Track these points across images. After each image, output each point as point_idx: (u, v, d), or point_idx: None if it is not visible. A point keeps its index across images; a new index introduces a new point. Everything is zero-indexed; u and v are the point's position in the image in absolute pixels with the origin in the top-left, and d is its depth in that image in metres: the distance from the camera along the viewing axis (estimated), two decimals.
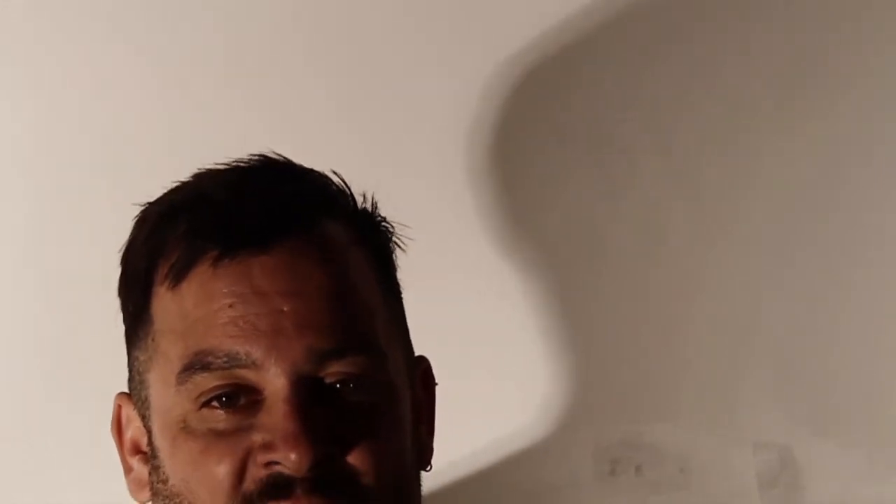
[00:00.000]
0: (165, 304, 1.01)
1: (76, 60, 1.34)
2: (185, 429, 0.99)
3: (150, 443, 1.03)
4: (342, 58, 1.36)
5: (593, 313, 1.37)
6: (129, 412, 1.05)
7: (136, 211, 1.05)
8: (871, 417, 1.39)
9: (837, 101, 1.40)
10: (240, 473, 0.97)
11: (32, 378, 1.33)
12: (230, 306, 0.98)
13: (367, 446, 0.98)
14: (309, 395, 0.97)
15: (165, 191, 1.05)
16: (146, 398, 1.03)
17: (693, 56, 1.39)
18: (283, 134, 1.25)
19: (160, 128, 1.34)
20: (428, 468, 1.06)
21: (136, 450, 1.05)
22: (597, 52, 1.38)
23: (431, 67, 1.36)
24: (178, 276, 1.00)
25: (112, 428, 1.07)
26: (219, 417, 0.98)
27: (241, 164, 1.03)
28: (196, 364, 0.98)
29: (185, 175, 1.05)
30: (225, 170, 1.03)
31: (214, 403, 0.98)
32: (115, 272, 1.06)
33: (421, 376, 1.07)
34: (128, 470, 1.06)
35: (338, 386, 0.98)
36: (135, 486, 1.05)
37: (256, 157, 1.04)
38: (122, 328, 1.06)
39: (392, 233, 1.06)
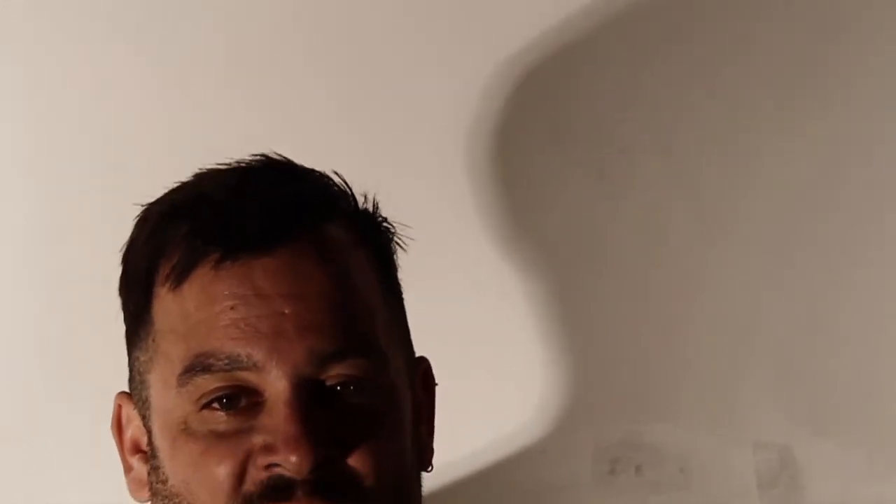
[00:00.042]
0: (166, 305, 1.01)
1: (76, 60, 1.34)
2: (186, 430, 0.99)
3: (150, 443, 1.03)
4: (342, 58, 1.36)
5: (593, 313, 1.37)
6: (130, 412, 1.05)
7: (136, 211, 1.05)
8: (871, 417, 1.39)
9: (837, 101, 1.40)
10: (240, 475, 0.97)
11: (32, 378, 1.33)
12: (231, 308, 0.98)
13: (367, 448, 0.98)
14: (310, 397, 0.97)
15: (166, 190, 1.05)
16: (147, 398, 1.03)
17: (693, 56, 1.39)
18: (284, 134, 1.25)
19: (160, 128, 1.34)
20: (429, 469, 1.06)
21: (136, 449, 1.05)
22: (597, 52, 1.38)
23: (431, 67, 1.36)
24: (179, 278, 1.00)
25: (112, 427, 1.07)
26: (219, 419, 0.98)
27: (243, 165, 1.04)
28: (197, 366, 0.98)
29: (185, 175, 1.05)
30: (226, 170, 1.03)
31: (215, 405, 0.98)
32: (116, 272, 1.06)
33: (421, 377, 1.08)
34: (128, 469, 1.06)
35: (338, 388, 0.98)
36: (135, 486, 1.05)
37: (257, 158, 1.04)
38: (122, 328, 1.06)
39: (393, 233, 1.06)
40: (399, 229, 1.06)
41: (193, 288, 0.99)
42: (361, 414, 0.98)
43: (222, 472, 0.97)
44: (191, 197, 1.02)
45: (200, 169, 1.04)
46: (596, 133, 1.38)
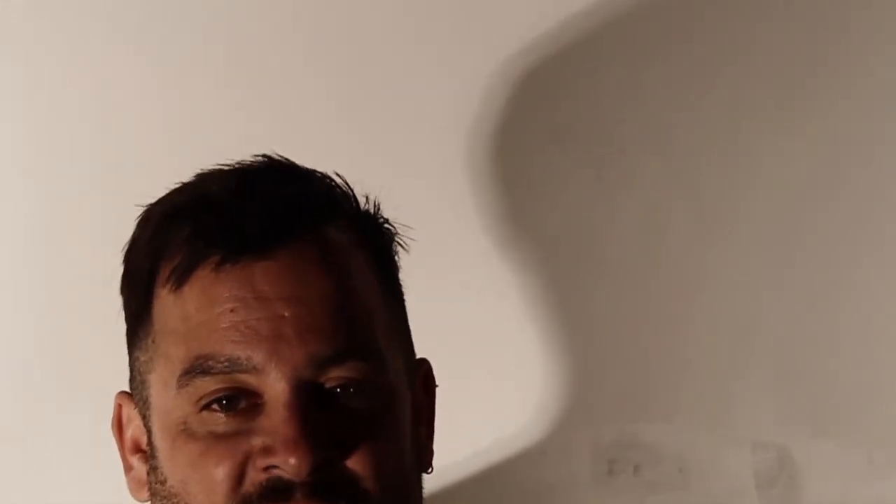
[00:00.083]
0: (167, 306, 1.01)
1: (76, 60, 1.34)
2: (186, 431, 0.99)
3: (150, 442, 1.03)
4: (342, 58, 1.36)
5: (592, 313, 1.37)
6: (130, 411, 1.06)
7: (137, 211, 1.05)
8: (870, 417, 1.39)
9: (837, 101, 1.40)
10: (239, 476, 0.98)
11: (32, 378, 1.33)
12: (232, 311, 0.98)
13: (366, 450, 0.98)
14: (309, 400, 0.97)
15: (168, 191, 1.05)
16: (147, 398, 1.03)
17: (693, 56, 1.39)
18: (284, 134, 1.25)
19: (160, 128, 1.34)
20: (429, 470, 1.06)
21: (137, 448, 1.06)
22: (597, 53, 1.38)
23: (431, 67, 1.36)
24: (180, 280, 1.00)
25: (112, 426, 1.07)
26: (219, 420, 0.98)
27: (244, 166, 1.04)
28: (197, 368, 0.98)
29: (185, 175, 1.05)
30: (228, 171, 1.03)
31: (215, 406, 0.98)
32: (116, 272, 1.06)
33: (422, 379, 1.08)
34: (128, 468, 1.06)
35: (338, 391, 0.98)
36: (135, 485, 1.06)
37: (259, 158, 1.04)
38: (122, 328, 1.06)
39: (394, 235, 1.07)
40: (400, 230, 1.07)
41: (194, 290, 1.00)
42: (360, 416, 0.98)
43: (221, 473, 0.97)
44: (192, 198, 1.02)
45: (202, 169, 1.04)
46: (596, 133, 1.38)
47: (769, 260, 1.39)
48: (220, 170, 1.04)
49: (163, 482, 1.01)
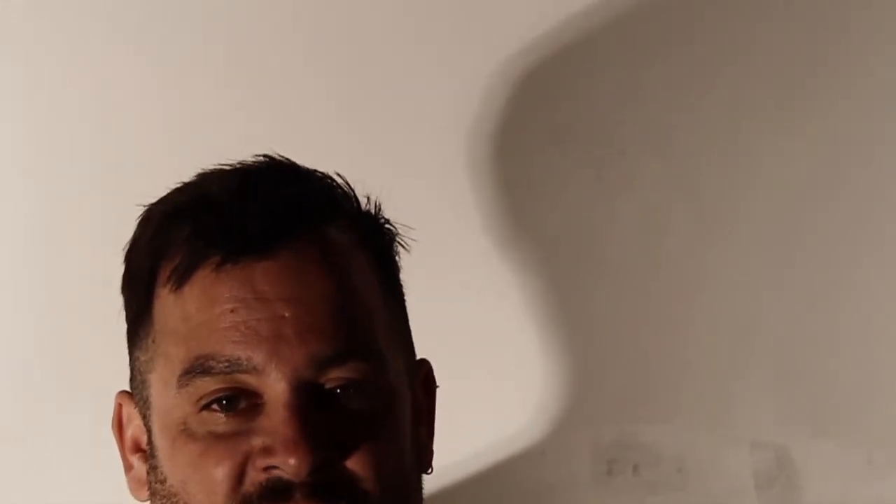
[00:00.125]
0: (168, 306, 1.01)
1: (76, 60, 1.34)
2: (185, 431, 0.99)
3: (150, 442, 1.03)
4: (342, 58, 1.36)
5: (592, 314, 1.37)
6: (130, 410, 1.06)
7: (137, 211, 1.05)
8: (869, 418, 1.39)
9: (837, 101, 1.40)
10: (239, 476, 0.98)
11: (32, 378, 1.33)
12: (232, 311, 0.98)
13: (366, 451, 0.98)
14: (309, 400, 0.97)
15: (169, 190, 1.05)
16: (147, 398, 1.03)
17: (693, 56, 1.39)
18: (284, 134, 1.25)
19: (160, 128, 1.34)
20: (429, 471, 1.06)
21: (137, 448, 1.06)
22: (597, 53, 1.38)
23: (431, 67, 1.36)
24: (180, 280, 1.00)
25: (113, 426, 1.07)
26: (219, 420, 0.98)
27: (245, 166, 1.04)
28: (197, 368, 0.98)
29: (185, 175, 1.05)
30: (229, 171, 1.03)
31: (215, 406, 0.98)
32: (116, 272, 1.06)
33: (422, 379, 1.08)
34: (128, 468, 1.06)
35: (338, 391, 0.98)
36: (135, 485, 1.06)
37: (260, 158, 1.04)
38: (122, 328, 1.06)
39: (395, 235, 1.07)
40: (401, 230, 1.07)
41: (194, 290, 1.00)
42: (361, 417, 0.99)
43: (220, 473, 0.97)
44: (193, 198, 1.02)
45: (203, 169, 1.04)
46: (596, 133, 1.38)
47: (769, 260, 1.39)
48: (221, 170, 1.04)
49: (162, 482, 1.01)
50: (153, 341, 1.02)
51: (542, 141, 1.37)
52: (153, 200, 1.05)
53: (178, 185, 1.05)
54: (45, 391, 1.33)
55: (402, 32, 1.37)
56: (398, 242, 1.07)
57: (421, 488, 1.05)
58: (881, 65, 1.40)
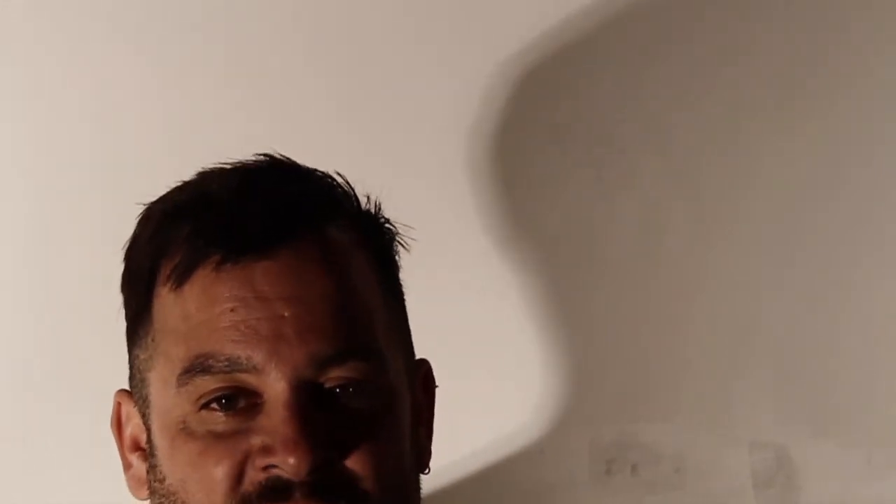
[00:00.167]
0: (167, 305, 1.01)
1: (76, 60, 1.34)
2: (185, 430, 0.99)
3: (149, 441, 1.03)
4: (342, 58, 1.36)
5: (591, 313, 1.37)
6: (129, 409, 1.06)
7: (137, 210, 1.06)
8: (869, 418, 1.39)
9: (837, 101, 1.40)
10: (238, 476, 0.98)
11: (32, 378, 1.33)
12: (232, 310, 0.98)
13: (366, 450, 0.98)
14: (309, 399, 0.97)
15: (169, 189, 1.05)
16: (146, 396, 1.03)
17: (693, 55, 1.39)
18: (284, 134, 1.25)
19: (160, 128, 1.34)
20: (426, 471, 1.06)
21: (136, 446, 1.06)
22: (597, 53, 1.38)
23: (431, 68, 1.36)
24: (180, 279, 1.00)
25: (112, 424, 1.07)
26: (218, 419, 0.98)
27: (246, 165, 1.04)
28: (197, 367, 0.98)
29: (185, 175, 1.05)
30: (229, 170, 1.03)
31: (214, 405, 0.98)
32: (115, 272, 1.06)
33: (422, 379, 1.08)
34: (127, 466, 1.06)
35: (337, 391, 0.98)
36: (134, 483, 1.06)
37: (261, 158, 1.04)
38: (122, 328, 1.06)
39: (395, 234, 1.07)
40: (400, 230, 1.07)
41: (194, 289, 1.00)
42: (360, 416, 0.99)
43: (220, 472, 0.97)
44: (193, 197, 1.02)
45: (203, 168, 1.04)
46: (596, 133, 1.38)
47: (769, 260, 1.39)
48: (222, 169, 1.04)
49: (161, 480, 1.01)
50: (153, 340, 1.02)
51: (542, 140, 1.37)
52: (155, 199, 1.05)
53: (179, 184, 1.05)
54: (45, 391, 1.33)
55: (402, 32, 1.37)
56: (398, 242, 1.07)
57: (419, 488, 1.05)
58: (881, 65, 1.40)
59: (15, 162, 1.34)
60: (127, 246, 1.05)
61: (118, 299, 1.06)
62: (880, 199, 1.40)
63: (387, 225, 1.06)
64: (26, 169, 1.34)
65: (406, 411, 1.03)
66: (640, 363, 1.37)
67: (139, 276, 1.03)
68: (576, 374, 1.36)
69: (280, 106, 1.35)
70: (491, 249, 1.36)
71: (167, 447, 1.00)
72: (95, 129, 1.34)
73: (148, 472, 1.03)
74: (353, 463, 0.98)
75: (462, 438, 1.31)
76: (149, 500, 1.04)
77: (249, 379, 0.98)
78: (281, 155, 1.04)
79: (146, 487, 1.04)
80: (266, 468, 0.97)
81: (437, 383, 1.09)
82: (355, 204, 1.05)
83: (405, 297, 1.08)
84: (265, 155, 1.04)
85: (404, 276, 1.08)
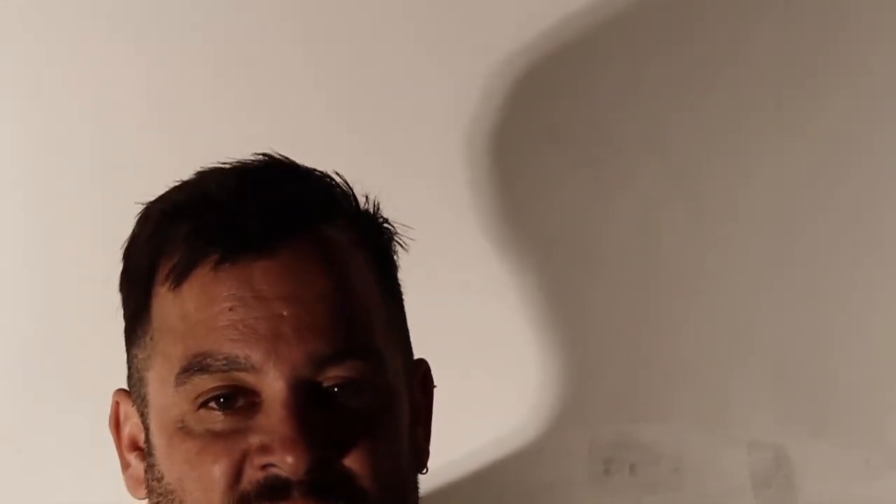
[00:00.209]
0: (166, 304, 1.01)
1: (76, 60, 1.34)
2: (183, 429, 0.99)
3: (147, 440, 1.03)
4: (342, 58, 1.36)
5: (589, 313, 1.37)
6: (127, 408, 1.06)
7: (136, 210, 1.06)
8: (867, 418, 1.39)
9: (836, 102, 1.40)
10: (236, 474, 0.98)
11: (32, 378, 1.33)
12: (230, 310, 0.98)
13: (363, 450, 0.98)
14: (307, 399, 0.97)
15: (168, 188, 1.05)
16: (145, 396, 1.03)
17: (692, 55, 1.39)
18: (283, 134, 1.25)
19: (160, 128, 1.34)
20: (424, 471, 1.06)
21: (134, 446, 1.06)
22: (594, 52, 1.38)
23: (431, 67, 1.36)
24: (179, 278, 1.00)
25: (110, 424, 1.07)
26: (216, 418, 0.98)
27: (244, 164, 1.04)
28: (195, 366, 0.99)
29: (184, 175, 1.05)
30: (228, 169, 1.03)
31: (212, 404, 0.99)
32: (115, 272, 1.06)
33: (420, 379, 1.08)
34: (125, 466, 1.07)
35: (336, 390, 0.99)
36: (132, 483, 1.06)
37: (259, 157, 1.04)
38: (120, 327, 1.06)
39: (394, 234, 1.07)
40: (399, 230, 1.07)
41: (193, 288, 1.00)
42: (358, 416, 0.99)
43: (218, 471, 0.98)
44: (192, 196, 1.02)
45: (202, 168, 1.05)
46: (593, 133, 1.38)
47: (767, 260, 1.39)
48: (220, 168, 1.04)
49: (160, 479, 1.01)
50: (151, 339, 1.02)
51: (540, 140, 1.37)
52: (153, 198, 1.05)
53: (177, 184, 1.05)
54: (44, 390, 1.33)
55: (401, 32, 1.37)
56: (396, 241, 1.07)
57: (417, 487, 1.05)
58: (881, 65, 1.40)
59: (15, 162, 1.34)
60: (125, 245, 1.05)
61: (117, 298, 1.06)
62: (879, 199, 1.40)
63: (385, 225, 1.06)
64: (26, 168, 1.34)
65: (404, 411, 1.03)
66: (638, 363, 1.37)
67: (138, 275, 1.03)
68: (574, 373, 1.36)
69: (279, 106, 1.35)
70: (489, 249, 1.36)
71: (165, 446, 1.01)
72: (95, 129, 1.34)
73: (146, 471, 1.03)
74: (351, 462, 0.98)
75: (460, 438, 1.31)
76: (147, 500, 1.04)
77: (248, 378, 0.98)
78: (280, 154, 1.04)
79: (144, 487, 1.04)
80: (264, 467, 0.97)
81: (435, 383, 1.09)
82: (354, 203, 1.05)
83: (403, 296, 1.08)
84: (264, 154, 1.04)
85: (403, 276, 1.08)
